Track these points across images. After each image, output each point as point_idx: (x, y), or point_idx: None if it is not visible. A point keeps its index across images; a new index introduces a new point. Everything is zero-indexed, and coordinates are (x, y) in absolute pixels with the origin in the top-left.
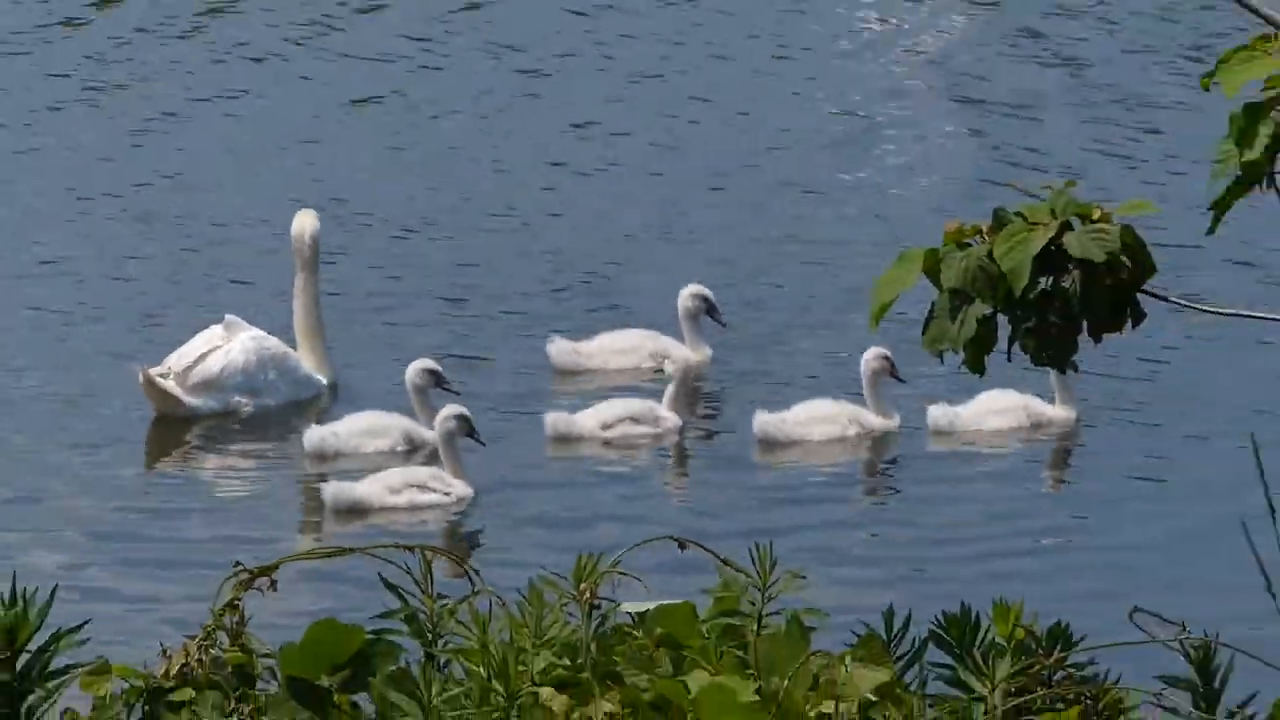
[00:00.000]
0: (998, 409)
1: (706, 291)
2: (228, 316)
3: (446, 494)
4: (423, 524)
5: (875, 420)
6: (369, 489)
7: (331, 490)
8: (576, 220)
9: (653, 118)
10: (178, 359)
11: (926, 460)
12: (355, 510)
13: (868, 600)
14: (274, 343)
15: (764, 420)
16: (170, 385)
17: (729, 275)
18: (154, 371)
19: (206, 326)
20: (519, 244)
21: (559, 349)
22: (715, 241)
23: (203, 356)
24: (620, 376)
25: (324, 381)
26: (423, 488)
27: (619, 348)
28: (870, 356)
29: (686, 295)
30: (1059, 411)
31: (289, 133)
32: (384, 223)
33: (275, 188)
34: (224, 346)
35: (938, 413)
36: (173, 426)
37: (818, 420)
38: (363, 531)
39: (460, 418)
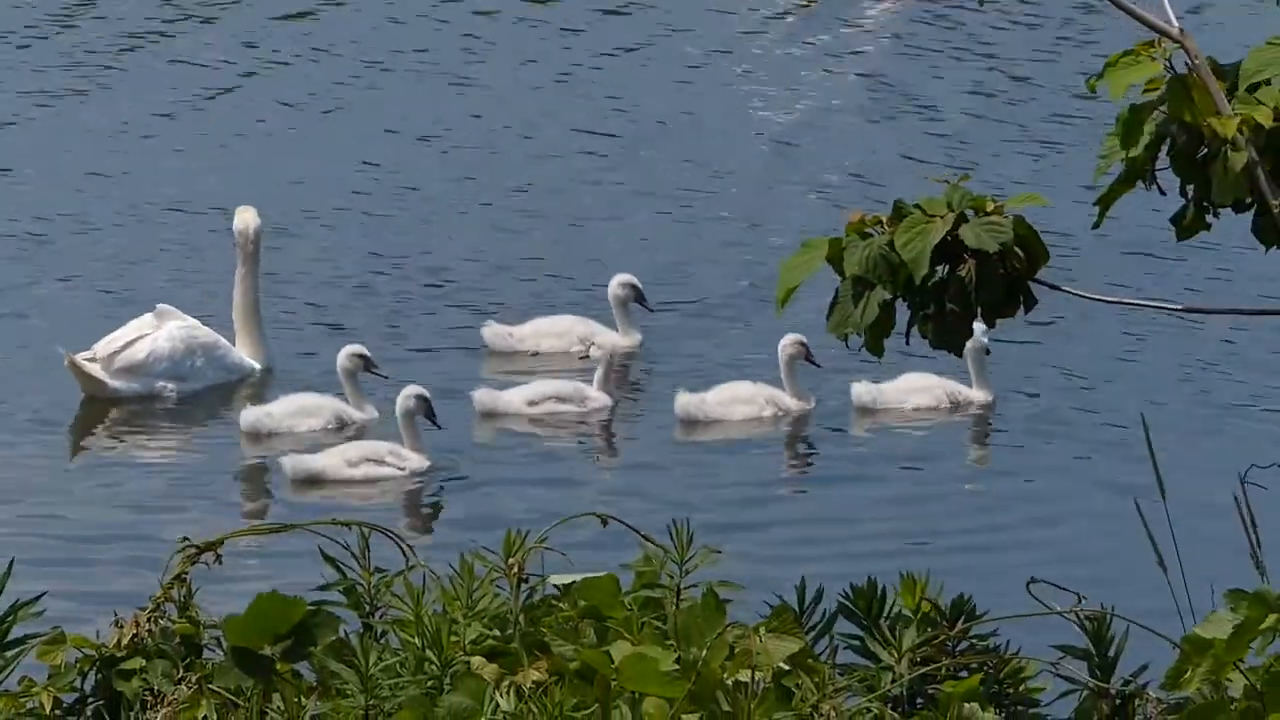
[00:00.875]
0: (918, 388)
1: (635, 280)
2: (159, 305)
3: (401, 468)
4: (377, 496)
5: (791, 402)
6: (327, 461)
7: (291, 462)
8: (510, 210)
9: (579, 113)
10: (105, 344)
11: (841, 438)
12: (313, 481)
13: (784, 573)
14: (204, 331)
15: (685, 400)
16: (93, 368)
17: (661, 264)
18: (81, 356)
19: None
20: (456, 233)
21: (493, 332)
22: (646, 231)
23: (130, 342)
24: (552, 359)
25: (257, 367)
26: (379, 461)
27: (551, 331)
28: (787, 342)
29: (616, 284)
30: (976, 393)
31: (227, 127)
32: (321, 212)
33: (204, 181)
34: (152, 334)
35: (861, 390)
36: (113, 410)
37: (736, 401)
38: (318, 503)
39: (420, 397)
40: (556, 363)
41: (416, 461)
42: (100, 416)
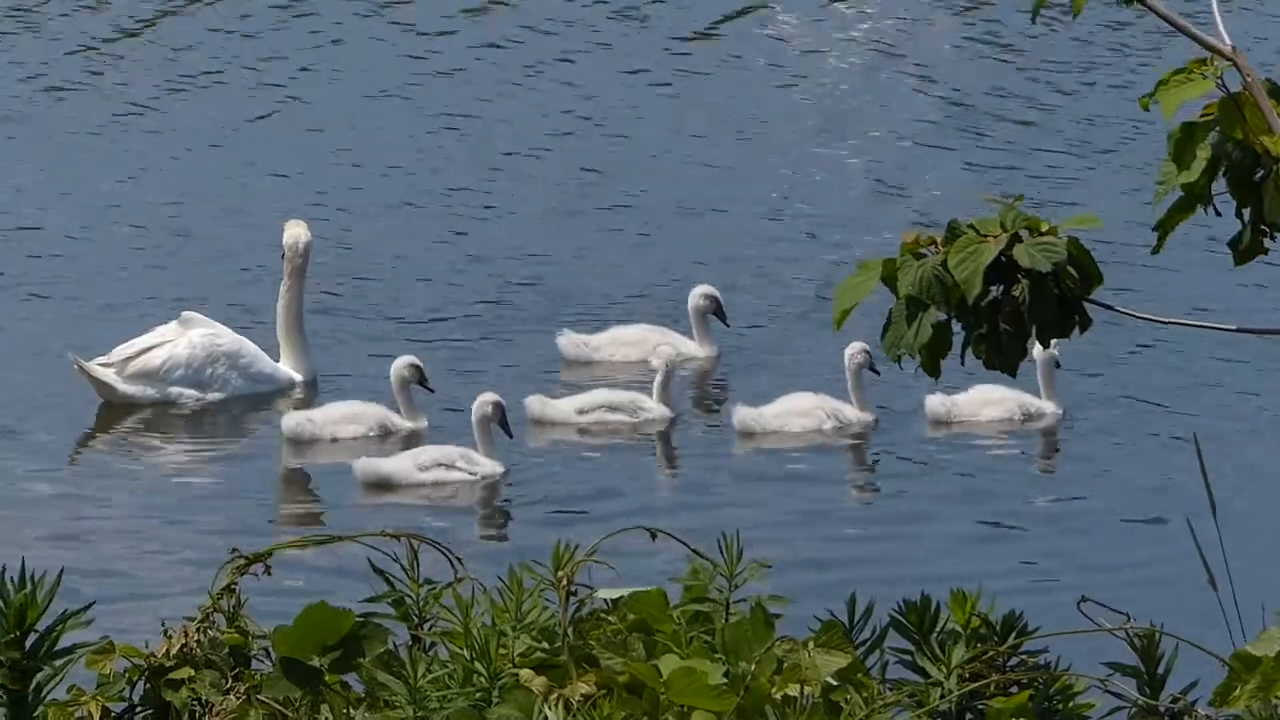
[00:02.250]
0: (992, 400)
1: (715, 292)
2: (184, 312)
3: (472, 473)
4: (444, 502)
5: (853, 414)
6: (398, 465)
7: (361, 465)
8: (589, 216)
9: (659, 119)
10: (122, 349)
11: (905, 450)
12: (383, 485)
13: (838, 587)
14: (229, 339)
15: (743, 413)
16: (104, 373)
17: (741, 273)
18: (99, 361)
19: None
20: (534, 239)
21: (568, 341)
22: (726, 241)
23: (148, 349)
24: (626, 369)
25: (298, 378)
26: (450, 466)
27: (626, 341)
28: (854, 351)
29: (697, 294)
30: (1048, 405)
31: (287, 127)
32: (378, 220)
33: (249, 189)
34: (172, 340)
35: (935, 402)
36: (149, 418)
37: (795, 413)
38: (383, 507)
39: (496, 404)
40: (631, 372)
41: (489, 466)
42: (137, 424)
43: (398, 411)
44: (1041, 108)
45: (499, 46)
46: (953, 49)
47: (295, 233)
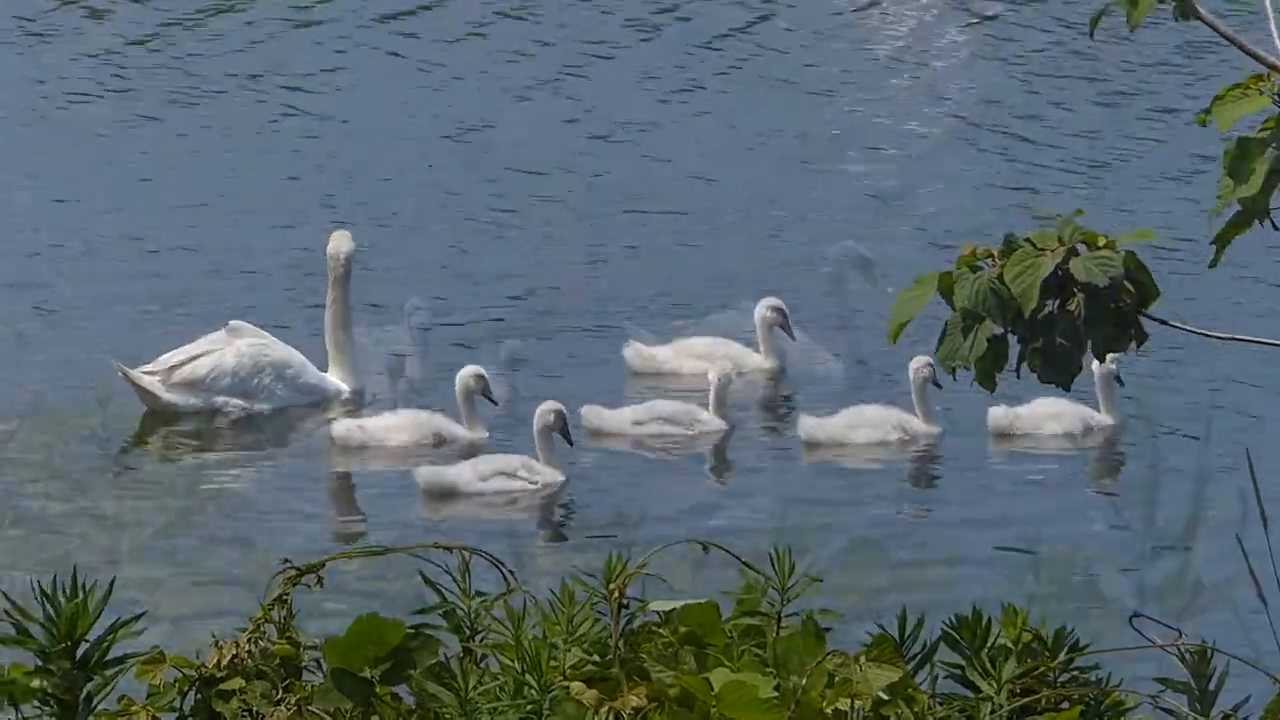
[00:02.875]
0: (1054, 413)
1: (782, 305)
2: (232, 322)
3: (533, 482)
4: (502, 511)
5: (919, 426)
6: (460, 474)
7: (424, 474)
8: (650, 225)
9: (711, 126)
10: (167, 358)
11: (968, 463)
12: (446, 494)
13: (892, 598)
14: (277, 350)
15: (808, 424)
16: (148, 381)
17: (811, 285)
18: (144, 369)
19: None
20: (603, 248)
21: (634, 353)
22: (789, 252)
23: (194, 357)
24: (692, 381)
25: (345, 389)
26: (511, 475)
27: (691, 352)
28: (919, 364)
29: (764, 307)
30: (1107, 419)
31: (357, 145)
32: (455, 228)
33: (312, 195)
34: (219, 350)
35: (998, 414)
36: (197, 427)
37: (861, 424)
38: (438, 517)
39: (558, 413)
40: (697, 384)
41: (549, 475)
42: (184, 433)
43: (455, 421)
44: (1097, 121)
45: (538, 51)
46: (1001, 60)
47: (338, 243)
